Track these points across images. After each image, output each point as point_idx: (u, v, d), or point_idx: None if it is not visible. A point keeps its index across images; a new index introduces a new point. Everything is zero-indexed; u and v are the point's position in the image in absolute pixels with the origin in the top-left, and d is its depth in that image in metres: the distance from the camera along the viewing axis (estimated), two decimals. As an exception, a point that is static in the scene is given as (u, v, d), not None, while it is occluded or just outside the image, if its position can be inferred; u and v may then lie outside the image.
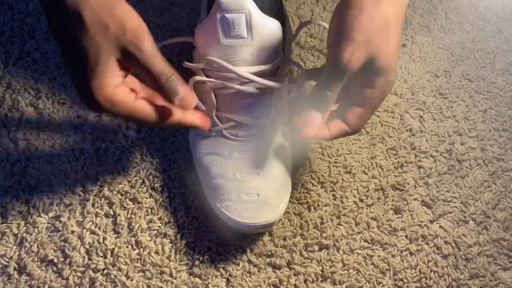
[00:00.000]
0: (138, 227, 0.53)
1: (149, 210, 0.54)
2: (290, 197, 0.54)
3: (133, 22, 0.39)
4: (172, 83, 0.40)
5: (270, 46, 0.47)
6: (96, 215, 0.53)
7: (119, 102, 0.40)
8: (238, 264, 0.52)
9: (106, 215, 0.54)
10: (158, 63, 0.39)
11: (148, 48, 0.39)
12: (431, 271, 0.52)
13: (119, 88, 0.40)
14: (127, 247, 0.52)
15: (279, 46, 0.48)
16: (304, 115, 0.43)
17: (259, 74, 0.48)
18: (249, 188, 0.50)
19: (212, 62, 0.47)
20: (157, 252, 0.52)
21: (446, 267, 0.53)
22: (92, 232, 0.53)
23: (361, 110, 0.44)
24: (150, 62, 0.39)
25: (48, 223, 0.53)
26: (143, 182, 0.55)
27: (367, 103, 0.43)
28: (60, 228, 0.53)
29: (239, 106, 0.50)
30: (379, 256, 0.53)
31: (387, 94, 0.43)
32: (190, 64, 0.50)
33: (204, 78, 0.49)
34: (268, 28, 0.46)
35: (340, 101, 0.45)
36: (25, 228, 0.53)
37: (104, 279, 0.51)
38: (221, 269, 0.52)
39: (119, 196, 0.54)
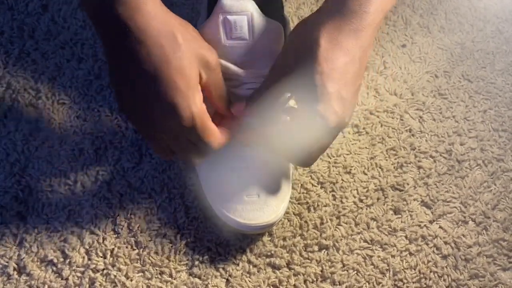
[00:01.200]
0: (138, 227, 0.53)
1: (149, 210, 0.54)
2: (290, 197, 0.54)
3: (211, 49, 0.43)
4: (228, 94, 0.45)
5: (271, 48, 0.47)
6: (96, 215, 0.53)
7: (205, 119, 0.42)
8: (238, 264, 0.52)
9: (106, 215, 0.54)
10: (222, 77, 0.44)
11: (218, 64, 0.44)
12: (430, 272, 0.52)
13: (205, 106, 0.42)
14: (126, 247, 0.52)
15: (280, 48, 0.48)
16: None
17: (259, 76, 0.48)
18: (250, 189, 0.50)
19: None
20: (156, 252, 0.52)
21: (446, 267, 0.53)
22: (92, 232, 0.53)
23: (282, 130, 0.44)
24: (220, 74, 0.44)
25: (47, 223, 0.53)
26: (143, 182, 0.55)
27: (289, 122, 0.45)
28: (60, 228, 0.53)
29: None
30: (378, 256, 0.53)
31: (312, 124, 0.42)
32: None
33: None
34: (270, 30, 0.46)
35: None
36: (24, 228, 0.53)
37: (104, 279, 0.51)
38: (220, 269, 0.52)
39: (119, 196, 0.54)
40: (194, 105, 0.40)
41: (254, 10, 0.45)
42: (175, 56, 0.39)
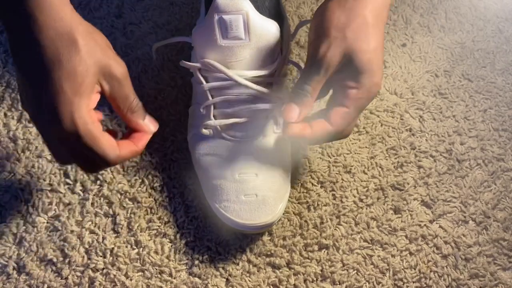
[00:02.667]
0: (138, 226, 0.53)
1: (149, 210, 0.54)
2: (290, 196, 0.54)
3: (118, 60, 0.41)
4: (141, 108, 0.43)
5: (268, 47, 0.47)
6: (96, 214, 0.53)
7: (95, 134, 0.39)
8: (238, 264, 0.52)
9: (106, 215, 0.54)
10: (132, 90, 0.42)
11: (126, 76, 0.41)
12: (430, 271, 0.52)
13: (93, 115, 0.40)
14: (126, 246, 0.52)
15: (277, 47, 0.48)
16: (283, 108, 0.44)
17: (256, 78, 0.48)
18: (248, 189, 0.49)
19: (208, 64, 0.47)
20: (156, 252, 0.52)
21: (446, 267, 0.53)
22: (92, 232, 0.53)
23: (344, 110, 0.43)
24: (129, 86, 0.42)
25: (47, 222, 0.53)
26: (143, 181, 0.55)
27: (351, 103, 0.43)
28: (60, 228, 0.53)
29: (236, 106, 0.49)
30: (378, 256, 0.53)
31: (372, 96, 0.42)
32: (187, 63, 0.50)
33: (201, 78, 0.49)
34: (266, 29, 0.46)
35: (328, 103, 0.45)
36: (24, 227, 0.53)
37: (104, 279, 0.51)
38: (220, 269, 0.52)
39: (119, 195, 0.54)
40: (78, 112, 0.38)
41: (249, 9, 0.45)
42: (70, 60, 0.37)
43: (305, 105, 0.43)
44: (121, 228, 0.53)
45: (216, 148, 0.51)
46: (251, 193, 0.49)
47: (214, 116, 0.51)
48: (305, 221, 0.54)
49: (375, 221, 0.54)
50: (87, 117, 0.38)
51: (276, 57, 0.49)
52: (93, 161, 0.41)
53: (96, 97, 0.40)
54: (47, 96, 0.38)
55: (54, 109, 0.38)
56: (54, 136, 0.39)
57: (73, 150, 0.40)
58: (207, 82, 0.49)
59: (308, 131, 0.44)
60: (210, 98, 0.50)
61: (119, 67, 0.40)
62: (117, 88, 0.41)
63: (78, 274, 0.51)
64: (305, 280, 0.51)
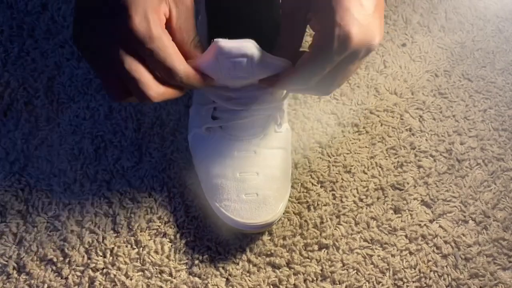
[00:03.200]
0: (138, 226, 0.53)
1: (149, 210, 0.54)
2: (290, 196, 0.54)
3: None
4: (202, 45, 0.40)
5: (273, 73, 0.44)
6: (96, 214, 0.53)
7: (165, 39, 0.36)
8: (238, 264, 0.52)
9: (106, 214, 0.54)
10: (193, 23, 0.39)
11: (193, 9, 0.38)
12: (430, 271, 0.52)
13: (163, 20, 0.36)
14: (126, 246, 0.52)
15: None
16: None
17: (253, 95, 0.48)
18: (248, 188, 0.50)
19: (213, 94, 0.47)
20: (156, 252, 0.52)
21: (446, 266, 0.53)
22: (92, 231, 0.53)
23: (307, 54, 0.38)
24: (194, 20, 0.38)
25: (47, 222, 0.53)
26: (143, 181, 0.55)
27: (312, 47, 0.37)
28: (60, 227, 0.53)
29: (238, 107, 0.49)
30: (378, 255, 0.53)
31: (333, 42, 0.35)
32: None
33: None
34: (272, 65, 0.42)
35: None
36: (24, 227, 0.53)
37: (104, 279, 0.51)
38: (220, 269, 0.52)
39: (118, 195, 0.54)
40: (151, 11, 0.34)
41: (254, 51, 0.40)
42: None
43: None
44: (121, 228, 0.53)
45: (216, 147, 0.51)
46: (251, 192, 0.49)
47: (215, 116, 0.51)
48: (305, 220, 0.54)
49: (375, 221, 0.54)
50: (159, 20, 0.35)
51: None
52: (152, 81, 0.37)
53: (165, 8, 0.36)
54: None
55: (126, 7, 0.34)
56: (120, 41, 0.35)
57: (136, 60, 0.36)
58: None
59: (275, 79, 0.42)
60: (211, 100, 0.50)
61: None
62: (184, 18, 0.37)
63: (78, 273, 0.51)
64: (305, 280, 0.51)
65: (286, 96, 0.51)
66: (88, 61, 0.39)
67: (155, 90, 0.38)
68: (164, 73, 0.38)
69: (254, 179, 0.50)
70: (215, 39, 0.39)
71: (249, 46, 0.40)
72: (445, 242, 0.54)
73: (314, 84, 0.40)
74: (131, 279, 0.51)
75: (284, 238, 0.53)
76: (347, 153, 0.58)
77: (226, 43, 0.39)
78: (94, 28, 0.36)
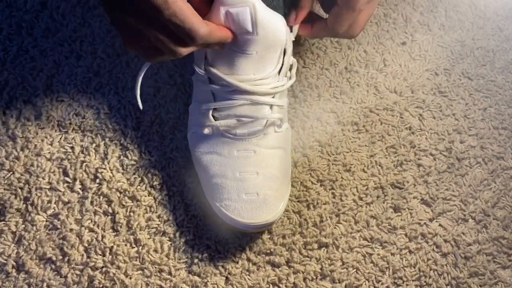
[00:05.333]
0: (137, 225, 0.53)
1: (148, 208, 0.54)
2: (290, 195, 0.54)
3: None
4: None
5: (274, 43, 0.47)
6: (95, 213, 0.53)
7: (181, 2, 0.37)
8: (237, 262, 0.52)
9: (105, 213, 0.53)
10: None
11: None
12: (430, 270, 0.52)
13: None
14: (125, 245, 0.52)
15: (283, 43, 0.48)
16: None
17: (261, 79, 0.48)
18: (249, 188, 0.49)
19: (213, 73, 0.47)
20: (156, 250, 0.52)
21: (446, 265, 0.53)
22: (91, 230, 0.53)
23: (337, 8, 0.45)
24: None
25: (46, 221, 0.53)
26: (142, 180, 0.55)
27: (342, 1, 0.45)
28: (59, 226, 0.53)
29: (238, 105, 0.49)
30: (378, 254, 0.53)
31: None
32: (196, 68, 0.49)
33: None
34: (273, 23, 0.45)
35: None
36: (23, 226, 0.53)
37: (103, 277, 0.51)
38: (220, 267, 0.52)
39: (118, 194, 0.54)
40: None
41: (256, 1, 0.44)
42: None
43: (301, 8, 0.48)
44: (121, 227, 0.53)
45: (216, 147, 0.51)
46: (252, 192, 0.49)
47: (215, 115, 0.50)
48: (305, 219, 0.54)
49: (374, 220, 0.54)
50: None
51: (280, 56, 0.49)
52: (177, 40, 0.39)
53: None
54: None
55: None
56: (137, 12, 0.37)
57: (158, 25, 0.38)
58: (211, 83, 0.49)
59: (308, 29, 0.50)
60: (212, 99, 0.50)
61: None
62: None
63: (77, 272, 0.51)
64: (304, 279, 0.51)
65: (287, 84, 0.51)
66: (120, 33, 0.42)
67: (205, 28, 0.40)
68: (185, 36, 0.39)
69: (254, 179, 0.50)
70: None
71: None
72: (445, 240, 0.54)
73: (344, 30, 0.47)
74: (130, 278, 0.51)
75: (283, 237, 0.53)
76: (347, 152, 0.58)
77: None
78: (119, 4, 0.38)
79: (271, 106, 0.50)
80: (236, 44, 0.46)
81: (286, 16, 0.48)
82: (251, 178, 0.50)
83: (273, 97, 0.50)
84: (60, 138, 0.57)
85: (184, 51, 0.41)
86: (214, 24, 0.43)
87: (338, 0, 0.45)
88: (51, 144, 0.56)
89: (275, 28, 0.46)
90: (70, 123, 0.58)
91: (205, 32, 0.40)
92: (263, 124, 0.51)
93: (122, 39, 0.42)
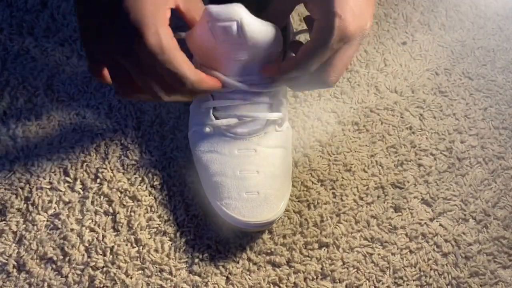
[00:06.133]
0: (138, 225, 0.53)
1: (149, 208, 0.54)
2: (290, 195, 0.54)
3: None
4: None
5: (267, 48, 0.45)
6: (96, 213, 0.53)
7: (175, 50, 0.38)
8: (238, 262, 0.52)
9: (106, 213, 0.53)
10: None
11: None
12: (431, 269, 0.52)
13: (170, 29, 0.38)
14: (126, 245, 0.52)
15: (278, 47, 0.47)
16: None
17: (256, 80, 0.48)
18: (249, 186, 0.49)
19: (205, 68, 0.47)
20: (156, 250, 0.52)
21: (446, 265, 0.53)
22: (92, 230, 0.53)
23: (307, 44, 0.41)
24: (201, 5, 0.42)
25: (47, 220, 0.53)
26: (143, 179, 0.55)
27: (312, 36, 0.41)
28: (60, 226, 0.53)
29: (237, 104, 0.49)
30: (379, 254, 0.53)
31: (332, 31, 0.39)
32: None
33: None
34: (264, 33, 0.44)
35: None
36: (24, 225, 0.53)
37: (104, 277, 0.51)
38: (220, 267, 0.52)
39: (119, 193, 0.54)
40: (161, 25, 0.37)
41: (243, 15, 0.42)
42: None
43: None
44: (121, 226, 0.53)
45: (217, 145, 0.51)
46: (252, 190, 0.49)
47: (216, 114, 0.51)
48: (305, 219, 0.54)
49: (375, 219, 0.54)
50: (169, 31, 0.38)
51: (276, 57, 0.49)
52: (166, 86, 0.40)
53: (169, 13, 0.39)
54: (129, 13, 0.36)
55: (137, 27, 0.36)
56: (133, 57, 0.38)
57: (149, 70, 0.39)
58: None
59: (274, 69, 0.46)
60: (211, 98, 0.50)
61: None
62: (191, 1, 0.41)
63: (78, 272, 0.51)
64: (305, 279, 0.51)
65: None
66: (95, 67, 0.42)
67: (166, 96, 0.41)
68: (175, 81, 0.40)
69: (254, 177, 0.50)
70: (205, 6, 0.42)
71: (237, 10, 0.42)
72: (446, 240, 0.54)
73: (316, 73, 0.43)
74: (131, 278, 0.51)
75: (284, 237, 0.53)
76: (347, 152, 0.58)
77: (214, 8, 0.41)
78: (103, 42, 0.39)
79: (270, 105, 0.50)
80: (227, 51, 0.45)
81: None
82: (251, 176, 0.50)
83: (272, 96, 0.50)
84: (61, 138, 0.57)
85: (167, 99, 0.41)
86: (204, 74, 0.42)
87: (312, 33, 0.41)
88: (51, 144, 0.56)
89: (266, 40, 0.44)
90: (71, 123, 0.58)
91: (195, 80, 0.40)
92: (264, 123, 0.51)
93: (95, 74, 0.42)
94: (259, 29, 0.43)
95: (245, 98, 0.49)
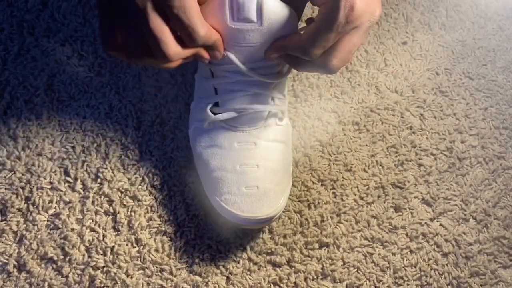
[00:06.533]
0: (138, 224, 0.53)
1: (149, 208, 0.54)
2: (290, 194, 0.54)
3: None
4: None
5: (279, 35, 0.44)
6: (96, 212, 0.53)
7: (191, 1, 0.38)
8: (238, 262, 0.52)
9: (106, 213, 0.53)
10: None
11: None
12: (431, 269, 0.52)
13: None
14: (127, 244, 0.52)
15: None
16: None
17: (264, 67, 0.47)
18: (249, 181, 0.49)
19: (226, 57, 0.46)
20: (157, 250, 0.52)
21: (447, 265, 0.53)
22: (92, 230, 0.53)
23: (312, 25, 0.41)
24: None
25: (47, 220, 0.53)
26: (143, 179, 0.55)
27: (317, 19, 0.40)
28: (60, 226, 0.53)
29: (239, 96, 0.49)
30: (379, 254, 0.53)
31: (337, 12, 0.38)
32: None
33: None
34: (282, 15, 0.43)
35: None
36: (24, 225, 0.53)
37: (104, 277, 0.51)
38: (221, 267, 0.52)
39: (119, 193, 0.54)
40: None
41: None
42: None
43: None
44: (122, 226, 0.53)
45: (217, 139, 0.51)
46: (252, 185, 0.49)
47: (216, 110, 0.50)
48: (306, 219, 0.54)
49: (375, 219, 0.54)
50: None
51: None
52: (173, 41, 0.39)
53: None
54: None
55: None
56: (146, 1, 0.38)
57: (160, 18, 0.38)
58: (214, 77, 0.49)
59: (281, 43, 0.44)
60: (214, 93, 0.50)
61: None
62: None
63: (79, 272, 0.51)
64: (305, 278, 0.51)
65: (288, 72, 0.50)
66: (108, 19, 0.41)
67: (174, 49, 0.40)
68: (186, 35, 0.40)
69: (254, 171, 0.50)
70: None
71: None
72: (446, 240, 0.54)
73: (320, 58, 0.41)
74: (131, 278, 0.51)
75: (284, 237, 0.53)
76: (348, 152, 0.58)
77: None
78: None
79: (272, 97, 0.50)
80: (237, 38, 0.44)
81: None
82: (251, 171, 0.50)
83: (273, 89, 0.50)
84: (61, 138, 0.57)
85: (172, 54, 0.41)
86: (211, 27, 0.42)
87: (317, 16, 0.40)
88: (52, 144, 0.56)
89: (282, 21, 0.43)
90: (71, 123, 0.58)
91: (205, 34, 0.40)
92: (264, 116, 0.50)
93: (108, 41, 0.42)
94: (277, 9, 0.42)
95: (247, 89, 0.49)
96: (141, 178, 0.55)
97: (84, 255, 0.51)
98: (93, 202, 0.54)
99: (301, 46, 0.41)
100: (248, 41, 0.44)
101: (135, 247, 0.52)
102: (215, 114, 0.50)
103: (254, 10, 0.42)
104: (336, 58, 0.41)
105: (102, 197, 0.54)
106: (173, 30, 0.40)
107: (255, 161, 0.50)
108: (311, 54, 0.41)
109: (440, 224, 0.55)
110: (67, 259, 0.51)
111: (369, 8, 0.39)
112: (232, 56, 0.45)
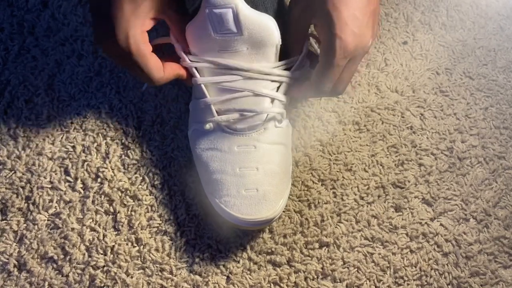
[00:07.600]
0: (138, 224, 0.53)
1: (149, 208, 0.54)
2: (290, 194, 0.54)
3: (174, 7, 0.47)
4: None
5: (265, 41, 0.47)
6: (96, 212, 0.53)
7: (144, 54, 0.45)
8: (239, 262, 0.52)
9: (106, 212, 0.54)
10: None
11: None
12: (431, 269, 0.52)
13: (146, 37, 0.45)
14: (127, 244, 0.52)
15: (275, 42, 0.48)
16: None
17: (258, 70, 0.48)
18: (248, 183, 0.49)
19: (207, 61, 0.48)
20: (157, 250, 0.52)
21: (447, 265, 0.53)
22: (92, 229, 0.53)
23: (318, 66, 0.46)
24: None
25: (48, 220, 0.53)
26: (143, 179, 0.55)
27: (320, 56, 0.45)
28: (60, 225, 0.53)
29: (237, 97, 0.49)
30: (379, 254, 0.53)
31: (335, 50, 0.43)
32: (185, 61, 0.50)
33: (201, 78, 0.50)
34: (259, 22, 0.46)
35: None
36: (25, 225, 0.53)
37: (104, 276, 0.51)
38: (221, 267, 0.52)
39: (119, 193, 0.54)
40: (132, 30, 0.43)
41: (239, 2, 0.45)
42: None
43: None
44: (122, 226, 0.53)
45: (216, 142, 0.51)
46: (251, 187, 0.49)
47: (215, 111, 0.50)
48: (306, 219, 0.54)
49: (375, 219, 0.54)
50: (140, 37, 0.44)
51: (276, 53, 0.49)
52: (142, 75, 0.46)
53: (151, 23, 0.46)
54: (109, 14, 0.43)
55: (113, 25, 0.43)
56: (111, 50, 0.45)
57: (124, 63, 0.46)
58: (201, 76, 0.50)
59: (298, 89, 0.51)
60: (207, 94, 0.50)
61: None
62: (176, 27, 0.48)
63: (79, 271, 0.51)
64: (305, 278, 0.51)
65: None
66: (98, 29, 0.47)
67: (157, 76, 0.47)
68: (144, 78, 0.47)
69: (254, 174, 0.50)
70: None
71: None
72: (446, 240, 0.54)
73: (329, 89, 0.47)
74: (131, 277, 0.51)
75: (284, 236, 0.53)
76: (348, 151, 0.58)
77: None
78: (96, 23, 0.47)
79: (271, 99, 0.50)
80: (224, 46, 0.47)
81: (277, 18, 0.49)
82: (251, 173, 0.50)
83: (272, 90, 0.50)
84: (62, 138, 0.57)
85: (159, 81, 0.48)
86: (170, 67, 0.48)
87: (319, 58, 0.45)
88: (52, 144, 0.56)
89: (262, 28, 0.46)
90: (72, 122, 0.58)
91: (158, 81, 0.47)
92: (264, 118, 0.51)
93: (101, 44, 0.47)
94: (254, 17, 0.46)
95: (246, 89, 0.49)
96: (141, 178, 0.55)
97: (84, 254, 0.52)
98: (93, 202, 0.54)
99: (315, 87, 0.47)
100: (236, 48, 0.47)
101: (135, 246, 0.52)
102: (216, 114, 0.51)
103: (232, 22, 0.46)
104: (341, 85, 0.47)
105: (103, 196, 0.54)
106: (155, 57, 0.47)
107: (255, 164, 0.50)
108: (324, 90, 0.47)
109: (441, 224, 0.55)
110: (67, 258, 0.51)
111: (361, 42, 0.44)
112: (202, 87, 0.50)
